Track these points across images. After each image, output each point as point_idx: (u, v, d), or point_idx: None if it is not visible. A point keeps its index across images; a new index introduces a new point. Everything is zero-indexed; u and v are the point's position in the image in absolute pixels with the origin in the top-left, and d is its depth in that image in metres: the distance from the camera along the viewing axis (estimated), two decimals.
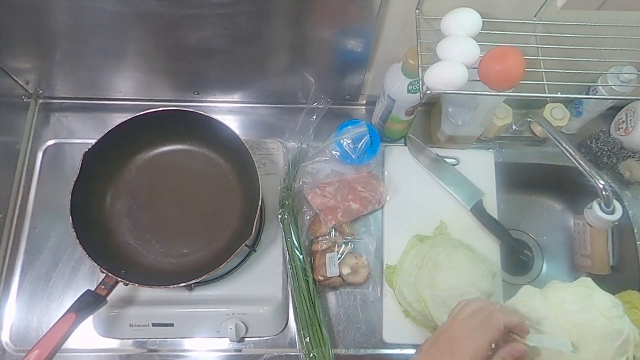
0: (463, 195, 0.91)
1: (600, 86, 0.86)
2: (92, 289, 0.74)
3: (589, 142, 0.98)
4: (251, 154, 0.79)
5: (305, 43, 0.81)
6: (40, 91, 0.96)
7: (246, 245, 0.78)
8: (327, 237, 0.87)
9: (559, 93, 0.67)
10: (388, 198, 0.91)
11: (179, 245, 0.83)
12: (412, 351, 0.85)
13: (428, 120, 1.00)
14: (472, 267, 0.79)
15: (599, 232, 0.87)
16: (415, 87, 0.78)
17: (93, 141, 0.78)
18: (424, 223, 0.90)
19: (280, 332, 0.84)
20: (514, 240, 0.91)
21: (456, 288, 0.76)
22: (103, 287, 0.74)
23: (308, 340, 0.80)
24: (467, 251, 0.83)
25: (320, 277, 0.84)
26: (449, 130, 0.91)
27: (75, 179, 0.75)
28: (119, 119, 0.79)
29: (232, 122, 0.99)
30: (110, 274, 0.73)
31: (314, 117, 0.92)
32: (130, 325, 0.81)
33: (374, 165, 0.92)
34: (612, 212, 0.81)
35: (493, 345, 0.54)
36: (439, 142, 0.96)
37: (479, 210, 0.90)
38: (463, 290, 0.76)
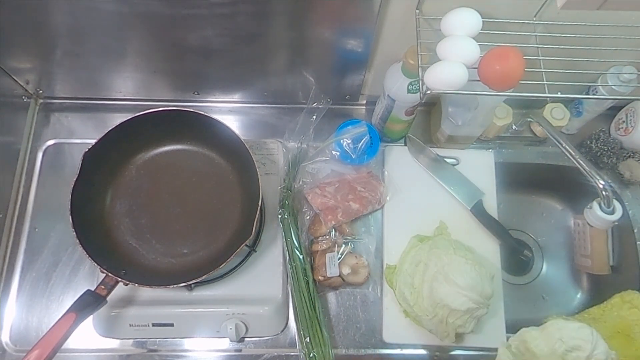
0: (463, 195, 0.91)
1: (600, 86, 0.86)
2: (92, 289, 0.74)
3: (589, 142, 0.98)
4: (251, 154, 0.79)
5: (305, 43, 0.81)
6: (40, 91, 0.96)
7: (246, 245, 0.78)
8: (327, 237, 0.87)
9: (559, 93, 0.67)
10: (388, 198, 0.91)
11: (179, 245, 0.83)
12: (412, 351, 0.85)
13: (428, 120, 1.00)
14: (471, 274, 0.78)
15: (599, 232, 0.87)
16: (415, 87, 0.78)
17: (93, 141, 0.78)
18: (424, 223, 0.90)
19: (280, 332, 0.84)
20: (514, 240, 0.91)
21: (454, 295, 0.76)
22: (103, 287, 0.74)
23: (308, 340, 0.80)
24: (467, 253, 0.83)
25: (320, 277, 0.84)
26: (449, 130, 0.91)
27: (75, 179, 0.75)
28: (119, 119, 0.79)
29: (232, 122, 0.99)
30: (110, 274, 0.73)
31: (314, 117, 0.92)
32: (130, 325, 0.81)
33: (374, 165, 0.92)
34: (612, 212, 0.81)
35: None
36: (439, 142, 0.96)
37: (479, 210, 0.90)
38: (462, 297, 0.76)
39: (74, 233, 0.72)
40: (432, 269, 0.80)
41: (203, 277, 0.73)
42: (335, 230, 0.87)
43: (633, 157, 0.96)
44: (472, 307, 0.76)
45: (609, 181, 0.78)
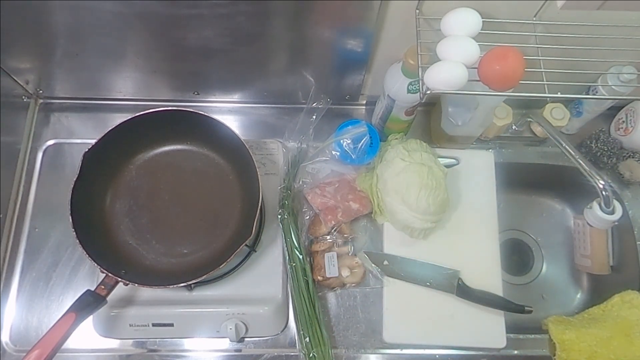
0: (442, 284, 0.85)
1: (600, 86, 0.86)
2: (92, 289, 0.74)
3: (589, 142, 0.98)
4: (251, 154, 0.79)
5: (305, 43, 0.81)
6: (40, 91, 0.96)
7: (246, 245, 0.78)
8: (327, 237, 0.87)
9: (559, 93, 0.67)
10: None
11: (179, 245, 0.83)
12: (412, 351, 0.85)
13: (428, 120, 1.00)
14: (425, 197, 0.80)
15: (599, 232, 0.87)
16: (415, 87, 0.78)
17: (93, 141, 0.78)
18: None
19: (280, 332, 0.84)
20: (511, 303, 0.84)
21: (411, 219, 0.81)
22: (103, 287, 0.74)
23: (308, 340, 0.80)
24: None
25: (319, 277, 0.84)
26: (449, 130, 0.91)
27: (75, 179, 0.75)
28: (119, 119, 0.79)
29: (232, 122, 0.99)
30: (110, 274, 0.73)
31: (314, 117, 0.92)
32: (130, 325, 0.81)
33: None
34: (612, 212, 0.80)
35: None
36: (439, 142, 0.96)
37: (464, 291, 0.85)
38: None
39: (74, 233, 0.72)
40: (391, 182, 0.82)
41: (203, 277, 0.73)
42: (335, 230, 0.87)
43: (633, 157, 0.96)
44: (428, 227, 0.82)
45: (609, 181, 0.78)
